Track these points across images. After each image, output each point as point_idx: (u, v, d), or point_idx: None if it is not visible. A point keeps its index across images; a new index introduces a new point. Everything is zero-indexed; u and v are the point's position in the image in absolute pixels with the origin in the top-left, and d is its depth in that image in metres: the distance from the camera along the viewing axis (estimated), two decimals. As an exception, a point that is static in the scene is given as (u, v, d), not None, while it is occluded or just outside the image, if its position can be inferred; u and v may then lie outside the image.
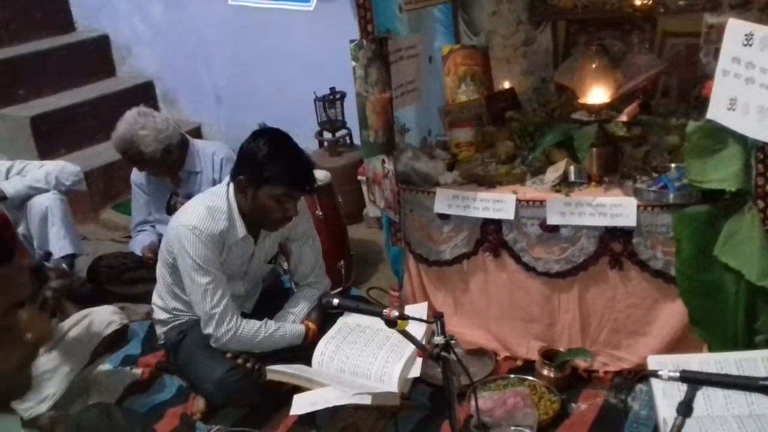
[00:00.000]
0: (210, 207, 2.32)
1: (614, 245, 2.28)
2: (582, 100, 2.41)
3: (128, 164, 3.16)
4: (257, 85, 4.29)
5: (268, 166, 2.23)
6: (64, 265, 2.72)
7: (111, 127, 3.00)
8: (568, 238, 2.32)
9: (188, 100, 4.71)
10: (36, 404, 2.21)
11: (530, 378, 2.37)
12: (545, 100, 2.79)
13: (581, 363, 2.40)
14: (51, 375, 2.27)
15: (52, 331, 0.99)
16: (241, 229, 2.34)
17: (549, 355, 2.40)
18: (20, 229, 3.05)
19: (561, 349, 2.42)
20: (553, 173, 2.35)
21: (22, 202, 3.01)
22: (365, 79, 2.33)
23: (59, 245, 3.08)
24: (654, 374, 1.50)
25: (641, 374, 1.87)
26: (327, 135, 3.79)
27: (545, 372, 2.37)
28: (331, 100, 3.69)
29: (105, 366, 2.61)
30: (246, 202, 2.31)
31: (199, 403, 2.35)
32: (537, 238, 2.36)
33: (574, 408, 2.28)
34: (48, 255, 2.44)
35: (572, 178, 2.34)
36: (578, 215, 2.26)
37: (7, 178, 3.01)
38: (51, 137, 4.22)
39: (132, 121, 2.92)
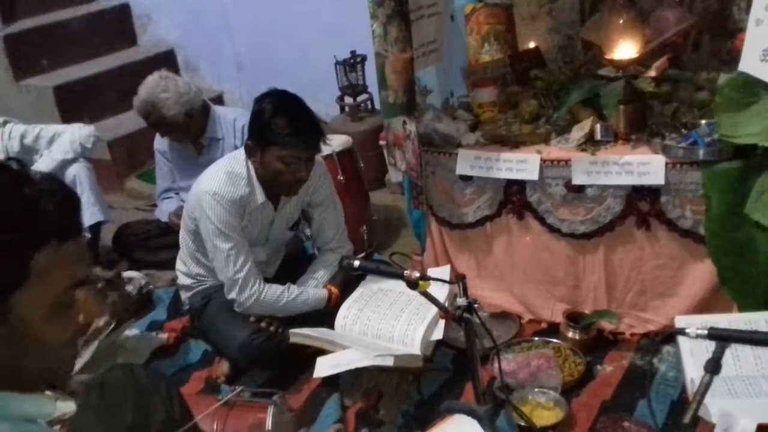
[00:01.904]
0: (229, 172, 2.31)
1: (641, 205, 2.22)
2: (609, 56, 2.34)
3: (151, 130, 3.17)
4: (278, 51, 4.26)
5: (271, 126, 2.19)
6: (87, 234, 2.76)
7: (133, 97, 3.00)
8: (593, 198, 2.26)
9: (209, 68, 4.70)
10: (64, 367, 2.24)
11: (555, 340, 2.35)
12: (571, 58, 2.70)
13: (607, 325, 2.37)
14: (79, 340, 2.30)
15: (100, 315, 0.99)
16: (260, 195, 2.33)
17: (574, 318, 2.37)
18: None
19: (586, 312, 2.39)
20: (578, 132, 2.29)
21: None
22: (384, 38, 2.29)
23: (89, 212, 3.11)
24: (681, 332, 1.47)
25: (668, 332, 1.83)
26: (348, 100, 3.76)
27: (570, 334, 2.34)
28: (352, 63, 3.64)
29: (131, 331, 2.64)
30: (258, 167, 2.29)
31: (223, 367, 2.38)
32: (562, 199, 2.31)
33: (600, 370, 2.25)
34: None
35: (598, 136, 2.28)
36: (604, 174, 2.21)
37: (22, 146, 3.03)
38: (74, 107, 4.24)
39: (154, 84, 2.91)
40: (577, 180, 2.25)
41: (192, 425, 1.53)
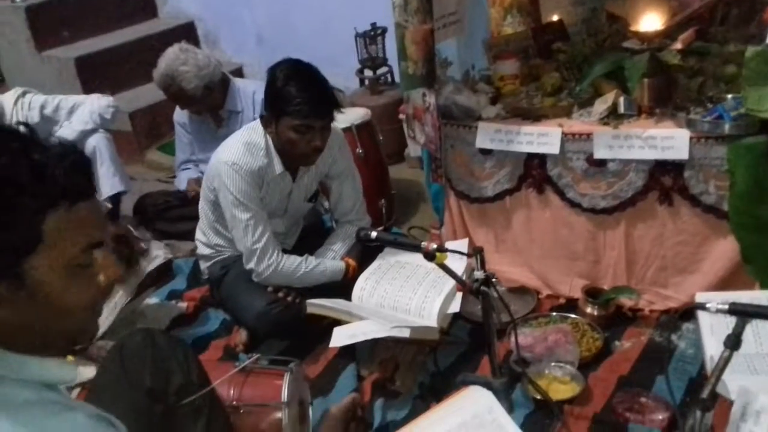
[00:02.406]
0: (248, 143, 2.30)
1: (664, 179, 2.19)
2: (634, 28, 2.29)
3: (171, 102, 3.18)
4: (298, 23, 4.23)
5: (284, 95, 2.17)
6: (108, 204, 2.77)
7: (153, 69, 3.01)
8: (615, 172, 2.23)
9: (229, 40, 4.69)
10: (85, 334, 2.28)
11: (573, 316, 2.34)
12: (595, 31, 2.66)
13: (626, 301, 2.35)
14: (99, 307, 2.33)
15: (121, 274, 0.99)
16: (278, 166, 2.32)
17: (593, 294, 2.35)
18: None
19: (605, 288, 2.37)
20: (601, 105, 2.26)
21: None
22: (404, 8, 2.25)
23: (110, 183, 3.14)
24: (702, 307, 1.45)
25: (689, 306, 1.81)
26: (368, 73, 3.73)
27: (589, 310, 2.33)
28: (372, 36, 3.61)
29: (152, 300, 2.67)
30: (274, 137, 2.28)
31: (241, 336, 2.40)
32: (583, 173, 2.28)
33: (618, 346, 2.24)
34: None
35: (621, 110, 2.24)
36: (627, 148, 2.17)
37: (42, 116, 3.05)
38: (95, 78, 4.27)
39: (173, 57, 2.91)
40: (599, 154, 2.22)
41: (209, 390, 1.55)
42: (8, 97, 3.04)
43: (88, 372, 2.03)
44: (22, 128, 0.93)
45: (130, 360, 1.50)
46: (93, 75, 4.29)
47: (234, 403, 1.74)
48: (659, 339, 2.24)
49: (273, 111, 2.22)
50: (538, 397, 1.98)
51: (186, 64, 2.90)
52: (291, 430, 1.74)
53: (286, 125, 2.20)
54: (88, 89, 4.11)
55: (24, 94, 3.08)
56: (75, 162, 0.93)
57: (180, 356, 1.54)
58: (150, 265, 2.45)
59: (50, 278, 0.90)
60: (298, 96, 2.15)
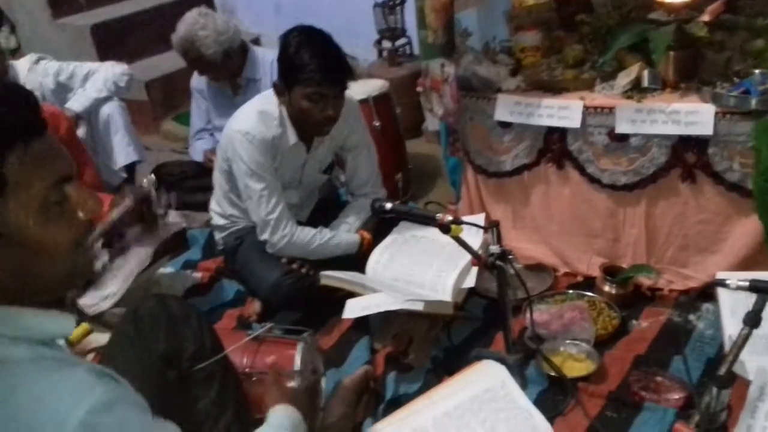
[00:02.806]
0: (261, 112, 2.28)
1: (687, 156, 2.13)
2: (661, -1, 2.23)
3: (188, 70, 3.15)
4: (316, -8, 4.17)
5: (296, 63, 2.13)
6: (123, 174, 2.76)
7: (169, 37, 2.98)
8: (637, 147, 2.18)
9: (247, 9, 4.64)
10: (99, 301, 2.28)
11: (590, 294, 2.31)
12: (620, 2, 2.58)
13: (645, 280, 2.31)
14: (114, 274, 2.33)
15: (101, 208, 0.98)
16: (292, 136, 2.29)
17: (611, 272, 2.31)
18: (84, 137, 3.11)
19: (624, 266, 2.33)
20: (624, 78, 2.20)
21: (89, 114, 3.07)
22: (425, -24, 2.21)
23: (124, 152, 3.14)
24: (722, 283, 1.42)
25: (708, 286, 1.78)
26: (386, 44, 3.68)
27: (606, 288, 2.29)
28: (391, 6, 3.56)
29: (167, 269, 2.67)
30: (287, 106, 2.25)
31: (255, 306, 2.39)
32: (604, 148, 2.23)
33: (635, 325, 2.21)
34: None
35: (645, 83, 2.18)
36: (650, 123, 2.12)
37: (57, 82, 3.04)
38: (111, 46, 4.25)
39: (192, 21, 2.88)
40: (621, 128, 2.17)
41: (222, 356, 1.54)
42: (23, 63, 3.03)
43: (102, 339, 2.04)
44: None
45: (144, 325, 1.50)
46: (109, 43, 4.27)
47: (247, 370, 1.74)
48: (678, 319, 2.20)
49: (285, 79, 2.19)
50: (553, 374, 1.97)
51: (205, 28, 2.87)
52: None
53: (299, 93, 2.16)
54: (103, 57, 4.08)
55: (39, 60, 3.07)
56: (16, 98, 0.91)
57: (193, 322, 1.54)
58: (165, 232, 2.45)
59: (25, 220, 0.89)
60: (310, 63, 2.11)
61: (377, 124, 2.95)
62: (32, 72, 3.02)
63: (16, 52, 4.47)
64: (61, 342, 1.03)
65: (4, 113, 0.88)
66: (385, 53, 3.70)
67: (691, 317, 2.18)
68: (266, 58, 3.07)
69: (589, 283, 2.38)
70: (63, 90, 3.06)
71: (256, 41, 4.51)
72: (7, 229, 0.88)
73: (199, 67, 3.01)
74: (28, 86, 2.94)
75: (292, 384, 1.72)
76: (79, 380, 0.89)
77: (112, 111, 3.08)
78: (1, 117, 0.87)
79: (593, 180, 2.29)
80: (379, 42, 3.73)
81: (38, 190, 0.90)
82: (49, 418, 0.85)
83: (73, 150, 2.32)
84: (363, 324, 2.28)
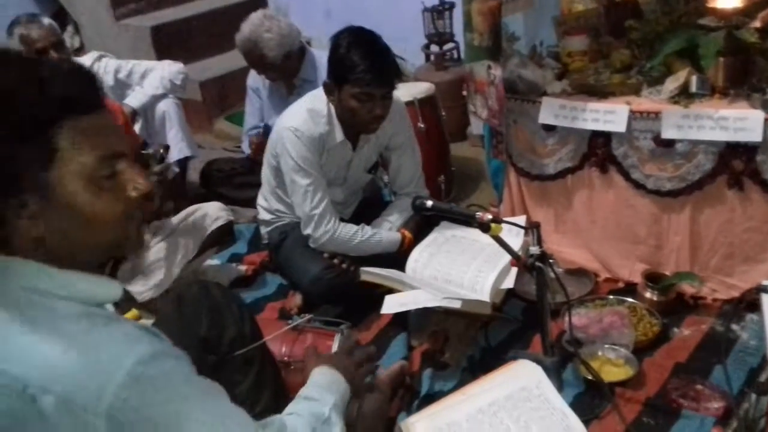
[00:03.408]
0: (311, 109, 2.33)
1: (735, 163, 2.10)
2: (711, 4, 2.20)
3: (242, 72, 3.24)
4: (367, -3, 4.24)
5: (345, 63, 2.17)
6: (159, 154, 2.84)
7: (224, 40, 3.08)
8: (683, 153, 2.16)
9: (299, 13, 4.72)
10: (147, 289, 2.37)
11: (631, 300, 2.28)
12: (670, 8, 2.56)
13: (688, 288, 2.28)
14: (162, 263, 2.42)
15: (153, 191, 1.03)
16: (339, 134, 2.34)
17: (653, 279, 2.29)
18: (140, 132, 3.22)
19: (667, 273, 2.30)
20: (672, 83, 2.18)
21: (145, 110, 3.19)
22: (473, -21, 2.23)
23: (177, 147, 3.24)
24: (766, 289, 1.40)
25: (752, 289, 1.74)
26: (434, 48, 3.71)
27: (648, 295, 2.27)
28: (440, 10, 3.58)
29: (213, 261, 2.75)
30: (336, 105, 2.29)
31: (296, 299, 2.45)
32: (649, 153, 2.21)
33: (676, 333, 2.17)
34: (166, 148, 2.54)
35: (693, 89, 2.15)
36: (697, 129, 2.09)
37: (116, 80, 3.16)
38: (169, 48, 4.38)
39: (258, 23, 2.97)
40: (667, 134, 2.14)
41: (261, 344, 1.59)
42: (86, 60, 3.17)
43: (148, 324, 2.12)
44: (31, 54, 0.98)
45: (186, 309, 1.56)
46: (167, 44, 4.41)
47: (285, 359, 1.78)
48: (720, 328, 2.16)
49: (335, 79, 2.24)
50: (590, 377, 1.95)
51: (270, 31, 2.95)
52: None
53: (348, 93, 2.21)
54: (161, 58, 4.19)
55: (100, 58, 3.20)
56: (76, 74, 0.97)
57: (234, 310, 1.59)
58: (212, 225, 2.53)
59: (75, 189, 0.94)
60: (359, 64, 2.15)
61: (422, 126, 2.98)
62: (93, 68, 3.14)
63: (79, 52, 4.66)
64: (110, 307, 1.09)
65: (64, 86, 0.94)
66: (432, 57, 3.73)
67: (735, 327, 2.14)
68: (322, 60, 3.10)
69: (630, 289, 2.35)
70: (121, 87, 3.19)
71: (307, 44, 4.59)
72: (54, 195, 0.94)
73: (259, 67, 3.07)
74: None
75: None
76: (126, 333, 0.95)
77: (167, 107, 3.19)
78: (61, 89, 0.93)
79: (638, 185, 2.27)
80: (427, 46, 3.77)
81: (87, 162, 0.95)
82: (99, 368, 0.91)
83: (131, 141, 2.41)
84: (401, 321, 2.30)
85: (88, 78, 0.98)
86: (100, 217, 0.97)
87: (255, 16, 2.99)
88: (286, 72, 3.08)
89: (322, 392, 1.36)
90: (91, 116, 0.96)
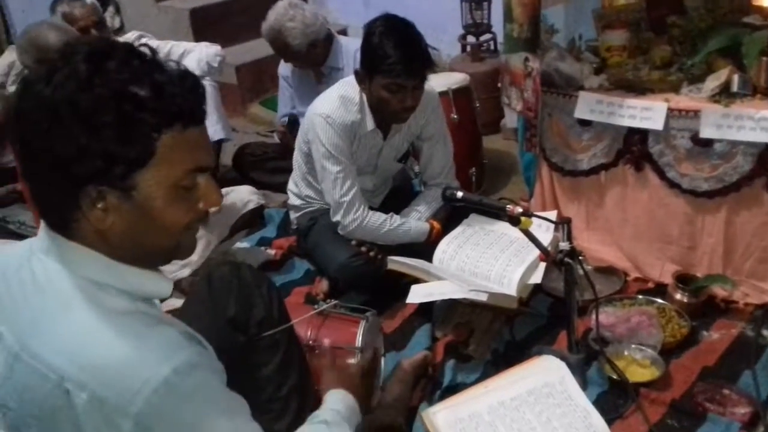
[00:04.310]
0: (343, 96, 2.34)
1: (774, 165, 2.06)
2: (756, 2, 2.15)
3: (276, 57, 3.25)
4: (406, -13, 4.21)
5: (378, 53, 2.15)
6: None
7: (261, 24, 3.07)
8: (721, 154, 2.12)
9: (337, 1, 4.73)
10: (179, 268, 2.41)
11: (660, 300, 2.25)
12: (714, 5, 2.50)
13: (719, 291, 2.24)
14: (193, 244, 2.45)
15: (221, 204, 1.06)
16: (370, 123, 2.34)
17: (684, 280, 2.25)
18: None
19: (698, 275, 2.27)
20: (713, 82, 2.14)
21: None
22: (514, -31, 2.21)
23: (212, 130, 3.26)
24: (800, 295, 1.37)
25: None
26: (470, 39, 3.68)
27: (678, 296, 2.23)
28: (479, 0, 3.55)
29: (243, 244, 2.78)
30: (367, 94, 2.29)
31: (323, 285, 2.46)
32: (686, 153, 2.17)
33: (705, 336, 2.14)
34: None
35: (735, 88, 2.11)
36: (736, 129, 2.05)
37: None
38: (207, 30, 4.41)
39: (282, 12, 2.98)
40: (706, 133, 2.10)
41: (288, 327, 1.60)
42: (126, 40, 3.21)
43: (178, 303, 2.15)
44: (146, 50, 0.98)
45: (216, 289, 1.57)
46: (205, 27, 4.44)
47: (310, 343, 1.79)
48: (751, 333, 2.13)
49: (367, 68, 2.23)
50: (614, 377, 1.94)
51: (293, 20, 2.96)
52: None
53: (379, 83, 2.20)
54: (199, 40, 4.23)
55: (140, 38, 3.24)
56: (192, 86, 0.98)
57: (264, 291, 1.60)
58: (243, 208, 2.55)
59: (156, 194, 0.96)
60: (391, 54, 2.14)
61: (455, 116, 2.96)
62: None
63: (119, 32, 4.72)
64: (158, 303, 1.12)
65: (177, 95, 0.95)
66: (468, 48, 3.70)
67: (765, 332, 2.11)
68: (350, 47, 3.13)
69: (660, 290, 2.32)
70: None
71: (344, 32, 4.59)
72: (137, 193, 0.96)
73: (285, 55, 3.10)
74: None
75: (352, 361, 1.78)
76: (170, 339, 0.97)
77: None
78: (173, 97, 0.95)
79: (673, 185, 2.24)
80: (463, 37, 3.74)
81: (177, 172, 0.97)
82: (136, 372, 0.93)
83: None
84: (426, 311, 2.31)
85: (201, 92, 1.00)
86: (168, 223, 0.99)
87: (280, 5, 3.01)
88: (312, 60, 3.08)
89: (341, 422, 1.36)
90: (193, 130, 0.98)
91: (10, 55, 3.26)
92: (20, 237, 3.07)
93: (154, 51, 0.99)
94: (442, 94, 2.80)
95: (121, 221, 0.97)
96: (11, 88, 4.89)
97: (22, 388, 0.96)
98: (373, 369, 1.70)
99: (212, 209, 1.04)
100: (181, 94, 0.95)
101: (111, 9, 4.98)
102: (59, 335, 0.95)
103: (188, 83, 0.98)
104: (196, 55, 3.21)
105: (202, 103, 1.00)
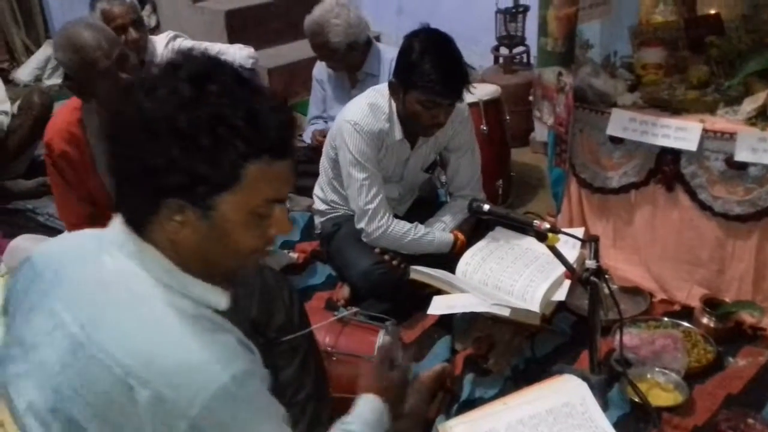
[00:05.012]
0: (372, 104, 2.34)
1: (810, 192, 2.01)
2: (800, 26, 2.10)
3: (309, 61, 3.26)
4: (441, -3, 4.22)
5: (416, 69, 2.14)
6: None
7: (296, 29, 3.10)
8: (756, 178, 2.07)
9: (371, 7, 4.73)
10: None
11: (686, 324, 2.21)
12: (754, 27, 2.46)
13: (748, 317, 2.20)
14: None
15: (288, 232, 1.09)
16: (398, 132, 2.34)
17: (711, 304, 2.21)
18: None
19: (726, 300, 2.22)
20: (750, 104, 2.10)
21: None
22: (552, -17, 2.19)
23: None
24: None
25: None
26: (504, 51, 3.67)
27: (704, 320, 2.19)
28: (514, 13, 3.54)
29: (266, 246, 2.78)
30: (399, 105, 2.28)
31: (344, 291, 2.46)
32: (720, 175, 2.14)
33: (731, 362, 2.10)
34: None
35: (773, 111, 2.07)
36: (773, 153, 2.01)
37: None
38: (242, 32, 4.44)
39: (329, 8, 3.00)
40: (741, 156, 2.06)
41: (308, 332, 1.60)
42: (161, 39, 3.24)
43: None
44: (246, 73, 1.01)
45: (238, 290, 1.56)
46: (240, 29, 4.47)
47: (329, 349, 1.79)
48: (780, 362, 2.08)
49: (402, 81, 2.22)
50: (637, 400, 1.90)
51: (338, 17, 2.97)
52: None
53: (414, 98, 2.19)
54: (233, 42, 4.28)
55: (175, 37, 3.27)
56: (286, 120, 1.01)
57: (285, 295, 1.60)
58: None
59: (233, 217, 0.99)
60: (431, 73, 2.12)
61: (484, 128, 2.95)
62: (168, 47, 3.23)
63: (155, 30, 4.78)
64: None
65: (269, 127, 0.98)
66: (501, 60, 3.69)
67: (795, 363, 2.06)
68: (386, 55, 3.13)
69: (686, 313, 2.29)
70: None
71: (376, 39, 4.59)
72: (215, 213, 0.98)
73: (323, 51, 3.09)
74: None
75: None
76: (229, 345, 0.99)
77: (234, 90, 3.24)
78: (267, 129, 0.97)
79: (704, 207, 2.20)
80: (496, 48, 3.72)
81: (257, 201, 1.00)
82: (197, 376, 0.94)
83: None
84: (446, 323, 2.29)
85: (294, 126, 1.03)
86: (240, 246, 1.02)
87: (328, 2, 3.02)
88: (349, 63, 3.08)
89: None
90: (280, 163, 1.00)
91: (48, 49, 3.32)
92: (49, 228, 3.12)
93: (254, 71, 1.01)
94: (472, 105, 2.79)
95: (194, 236, 1.00)
96: (47, 81, 5.02)
97: (82, 377, 0.96)
98: (405, 382, 1.68)
99: (281, 234, 1.07)
100: (274, 127, 0.98)
101: (148, 7, 5.06)
102: (128, 330, 0.96)
103: (282, 116, 1.00)
104: (229, 57, 3.23)
105: (293, 138, 1.03)
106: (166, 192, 0.96)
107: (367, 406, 1.39)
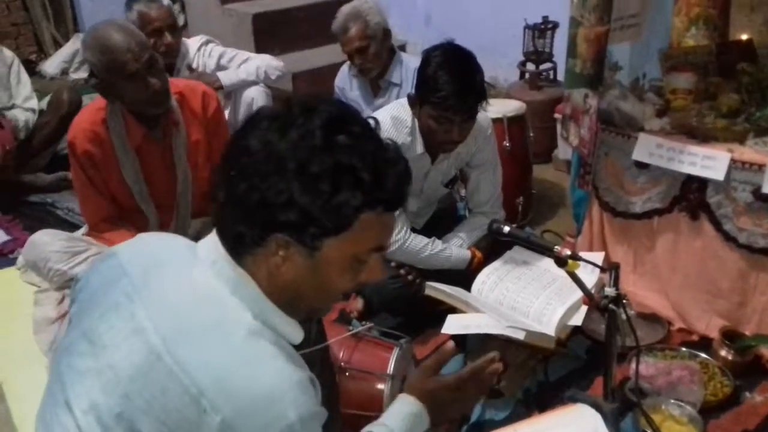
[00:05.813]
0: (395, 118, 2.32)
1: (839, 229, 1.97)
2: (836, 58, 2.06)
3: (333, 68, 3.25)
4: (469, 8, 4.21)
5: (430, 83, 2.13)
6: None
7: (322, 34, 3.11)
8: (783, 211, 2.04)
9: (399, 16, 4.73)
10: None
11: (703, 355, 2.17)
12: (789, 55, 2.43)
13: (767, 352, 2.15)
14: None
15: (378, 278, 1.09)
16: (419, 146, 2.32)
17: (731, 337, 2.17)
18: (228, 118, 3.29)
19: (747, 333, 2.18)
20: (781, 136, 2.06)
21: (232, 91, 3.26)
22: (583, 4, 2.16)
23: None
24: None
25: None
26: (530, 66, 3.64)
27: (723, 353, 2.15)
28: (542, 29, 3.51)
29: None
30: (417, 118, 2.27)
31: (358, 303, 2.44)
32: (746, 206, 2.10)
33: (748, 397, 2.06)
34: None
35: (803, 144, 2.04)
36: (802, 188, 1.97)
37: (218, 65, 3.24)
38: (269, 36, 4.47)
39: (358, 3, 3.00)
40: (769, 188, 2.03)
41: (324, 347, 1.58)
42: (194, 42, 3.26)
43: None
44: (372, 122, 1.05)
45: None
46: (267, 32, 4.49)
47: (342, 364, 1.78)
48: (799, 401, 2.04)
49: (419, 94, 2.22)
50: (649, 431, 1.87)
51: (368, 2, 2.99)
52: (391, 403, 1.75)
53: (427, 112, 2.19)
54: (260, 44, 4.32)
55: (207, 42, 3.29)
56: (404, 173, 1.02)
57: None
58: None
59: (335, 260, 1.00)
60: (443, 88, 2.11)
61: (507, 144, 2.92)
62: (200, 51, 3.25)
63: (183, 29, 4.81)
64: None
65: (391, 181, 1.00)
66: (527, 75, 3.66)
67: (815, 402, 2.01)
68: (410, 65, 3.11)
69: (704, 343, 2.25)
70: (221, 71, 3.26)
71: (403, 47, 4.60)
72: (318, 254, 1.00)
73: (356, 44, 2.99)
74: (194, 62, 3.16)
75: (381, 387, 1.75)
76: (301, 383, 0.98)
77: (256, 95, 3.24)
78: (387, 185, 0.99)
79: (728, 237, 2.16)
80: (523, 63, 3.70)
81: (361, 247, 1.02)
82: (267, 408, 0.94)
83: (221, 128, 2.46)
84: (460, 341, 2.26)
85: (409, 178, 1.04)
86: (332, 287, 1.05)
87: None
88: (377, 57, 3.01)
89: None
90: (389, 214, 1.03)
91: (76, 43, 3.34)
92: (68, 223, 3.14)
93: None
94: (496, 121, 2.77)
95: (292, 272, 1.01)
96: (74, 75, 5.07)
97: (155, 390, 0.95)
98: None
99: (371, 280, 1.08)
100: (394, 183, 1.00)
101: (177, 6, 5.09)
102: (210, 351, 0.96)
103: (401, 168, 1.02)
104: (257, 62, 3.24)
105: (408, 190, 1.04)
106: (276, 227, 0.98)
107: (409, 409, 1.37)
